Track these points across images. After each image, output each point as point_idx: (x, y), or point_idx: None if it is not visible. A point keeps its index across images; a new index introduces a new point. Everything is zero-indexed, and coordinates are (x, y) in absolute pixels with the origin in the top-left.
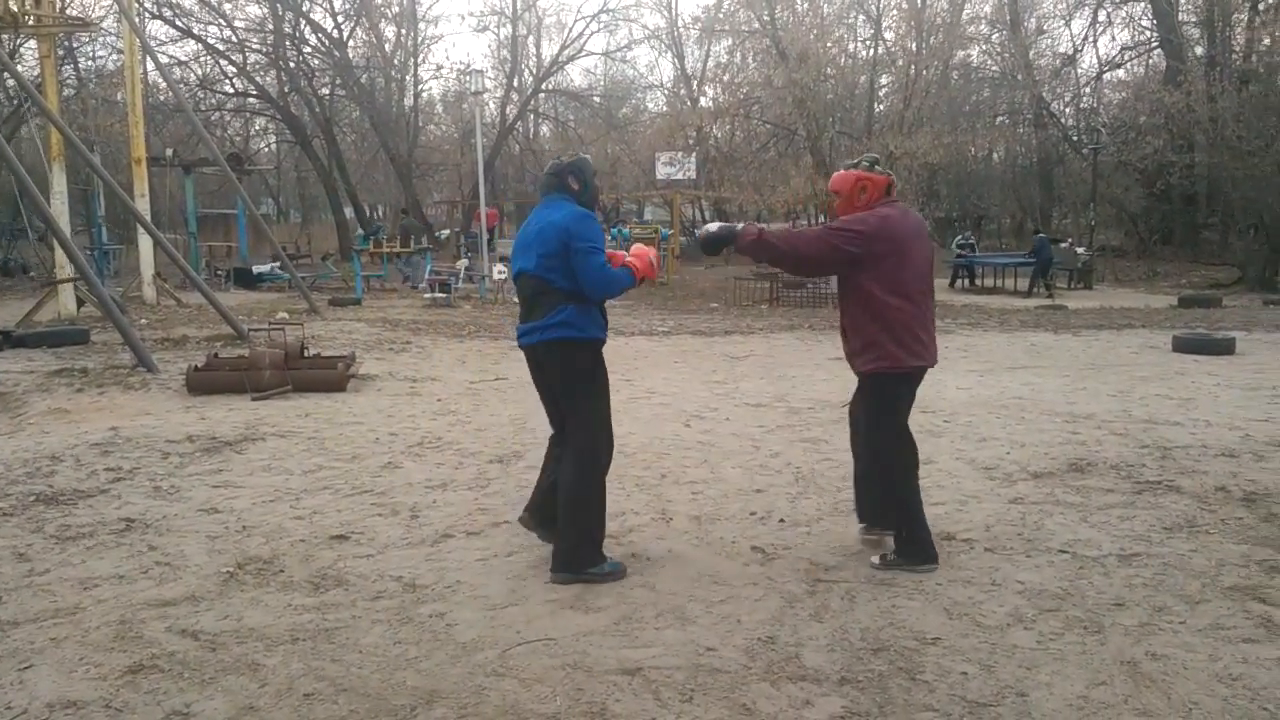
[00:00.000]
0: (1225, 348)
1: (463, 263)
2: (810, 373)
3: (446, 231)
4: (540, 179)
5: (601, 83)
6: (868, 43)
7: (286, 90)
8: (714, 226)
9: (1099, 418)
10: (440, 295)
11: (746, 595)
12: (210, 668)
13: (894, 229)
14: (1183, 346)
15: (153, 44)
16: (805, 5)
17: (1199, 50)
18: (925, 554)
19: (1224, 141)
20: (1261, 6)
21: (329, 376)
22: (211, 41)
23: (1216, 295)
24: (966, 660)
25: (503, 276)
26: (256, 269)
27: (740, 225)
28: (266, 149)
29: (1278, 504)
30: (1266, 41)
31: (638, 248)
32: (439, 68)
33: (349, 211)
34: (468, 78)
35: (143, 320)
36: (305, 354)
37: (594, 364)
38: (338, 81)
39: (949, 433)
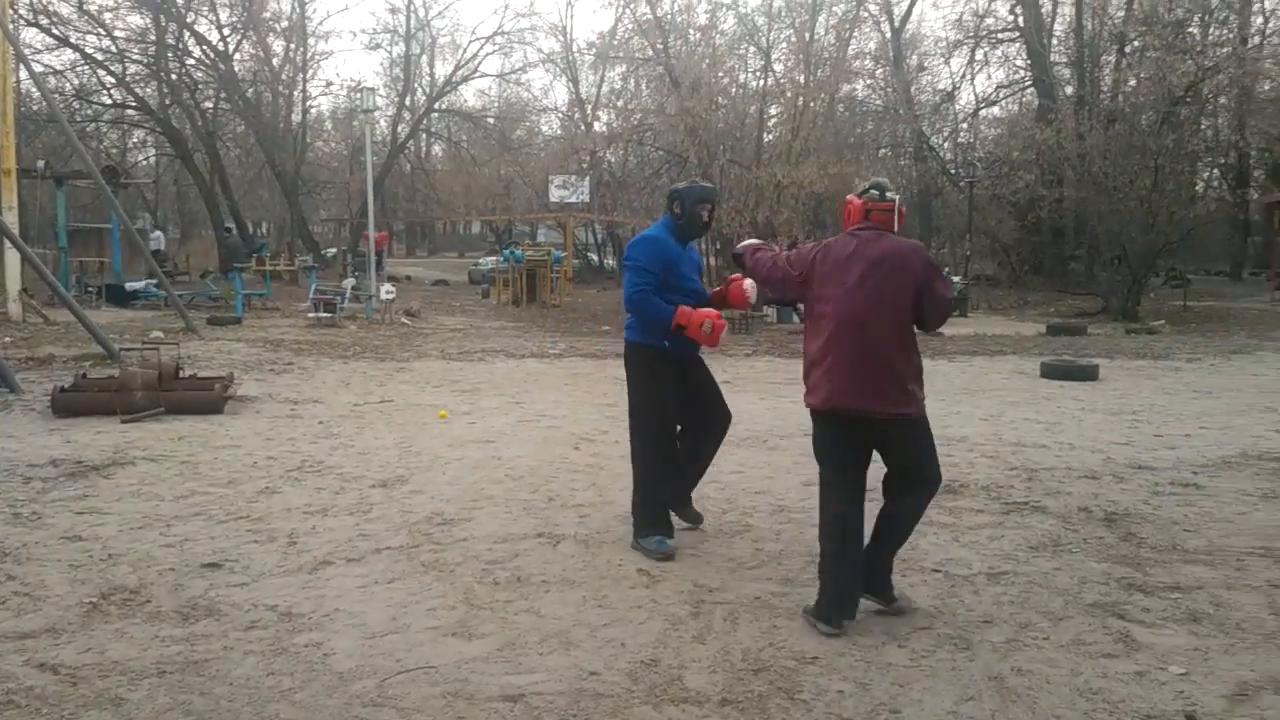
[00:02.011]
0: (1089, 374)
1: (349, 282)
2: None
3: (333, 250)
4: None
5: (496, 104)
6: (758, 74)
7: (168, 103)
8: (744, 243)
9: (971, 440)
10: (325, 315)
11: (631, 618)
12: (70, 703)
13: (829, 255)
14: (1050, 373)
15: (27, 52)
16: (698, 35)
17: (1069, 90)
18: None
19: (1090, 177)
20: (1127, 49)
21: (205, 398)
22: (90, 51)
23: (1082, 324)
24: (843, 679)
25: (390, 297)
26: (131, 285)
27: (752, 241)
28: (145, 162)
29: (1136, 523)
30: (1131, 83)
31: (708, 310)
32: (329, 84)
33: (231, 228)
34: (359, 95)
35: (6, 338)
36: (180, 374)
37: (645, 365)
38: (222, 95)
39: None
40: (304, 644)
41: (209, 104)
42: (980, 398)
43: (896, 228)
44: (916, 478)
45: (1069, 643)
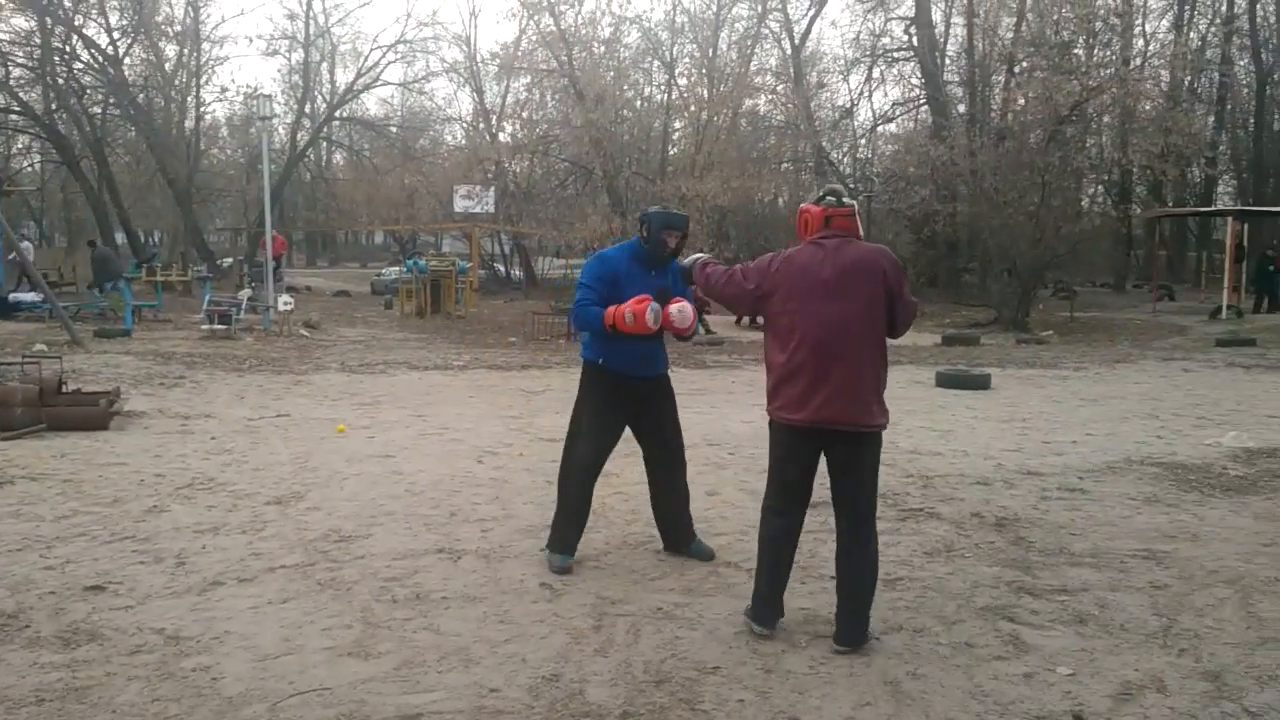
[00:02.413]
0: (982, 383)
1: (245, 292)
2: None
3: (230, 260)
4: None
5: (399, 113)
6: (662, 88)
7: (54, 108)
8: (692, 258)
9: None
10: (220, 327)
11: (533, 633)
12: None
13: (793, 265)
14: (944, 382)
15: None
16: (602, 49)
17: (961, 108)
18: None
19: (982, 193)
20: (1016, 70)
21: (89, 414)
22: None
23: (975, 334)
24: (744, 687)
25: (288, 307)
26: (14, 297)
27: (700, 256)
28: (30, 169)
29: (1025, 528)
30: (1020, 102)
31: (630, 303)
32: (224, 90)
33: (120, 237)
34: (255, 102)
35: None
36: (63, 389)
37: (590, 382)
38: (111, 101)
39: (733, 464)
40: (192, 668)
41: (97, 109)
42: None
43: (861, 232)
44: (856, 497)
45: (962, 646)
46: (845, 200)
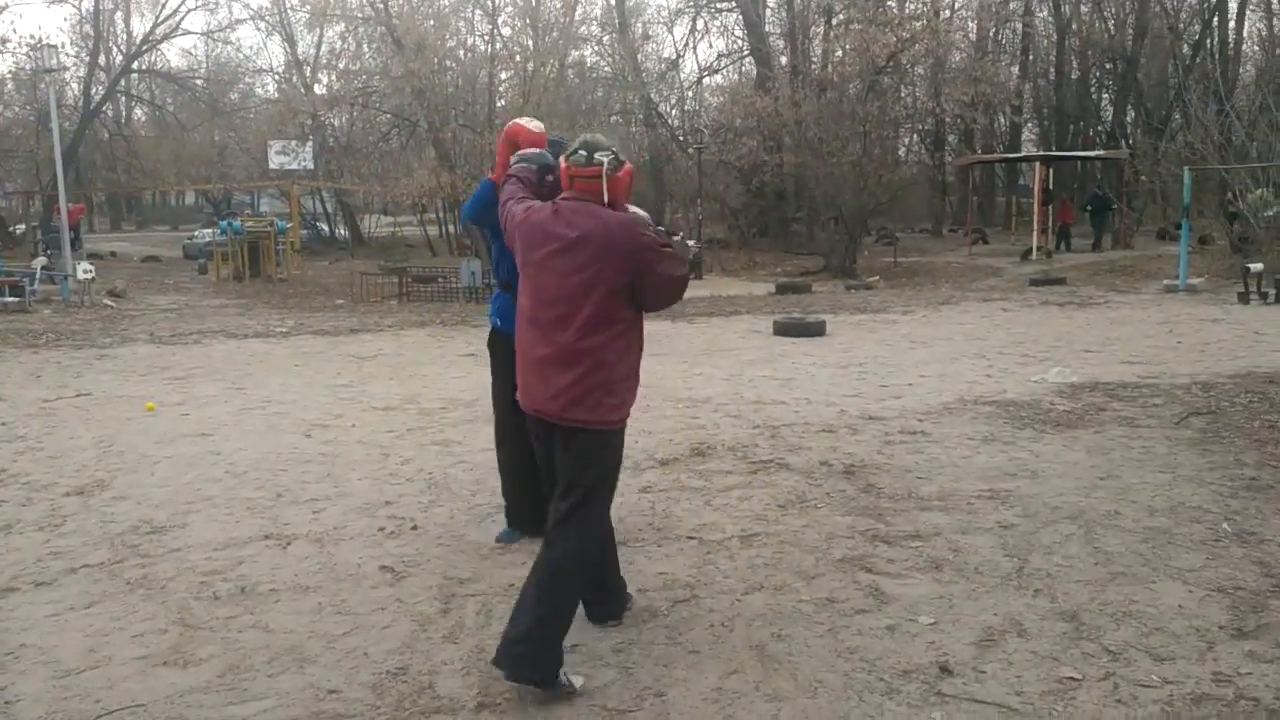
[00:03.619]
0: (817, 330)
1: (39, 260)
2: (442, 370)
3: (22, 226)
4: None
5: (204, 65)
6: (485, 37)
7: None
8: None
9: (715, 401)
10: (11, 300)
11: (374, 623)
12: None
13: (529, 222)
14: (782, 330)
15: None
16: None
17: (784, 60)
18: None
19: (807, 143)
20: (834, 22)
21: None
22: None
23: (807, 282)
24: (605, 665)
25: (88, 276)
26: None
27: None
28: None
29: (873, 474)
30: (839, 53)
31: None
32: (4, 41)
33: None
34: (39, 53)
35: None
36: None
37: (494, 350)
38: None
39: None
40: None
41: None
42: (720, 358)
43: (606, 198)
44: (571, 504)
45: (824, 602)
46: (596, 157)
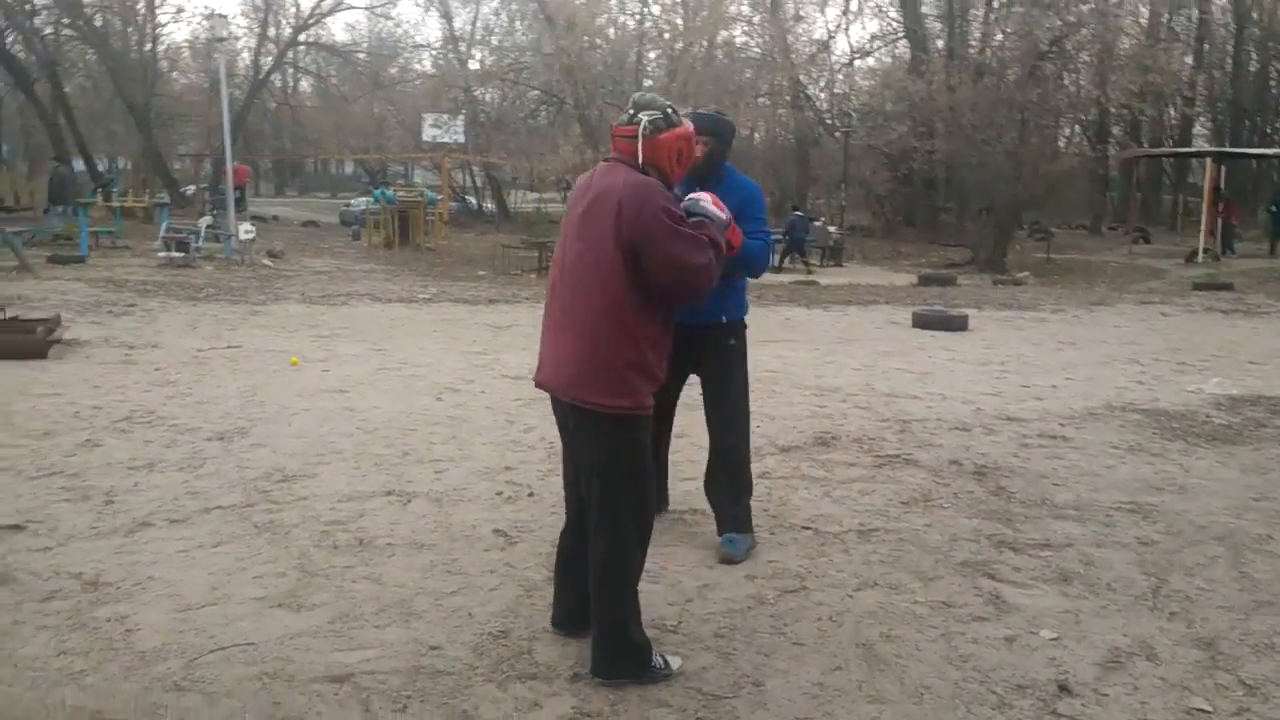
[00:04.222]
0: (959, 324)
1: (205, 219)
2: None
3: (192, 188)
4: None
5: (366, 39)
6: (635, 16)
7: (4, 27)
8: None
9: (844, 391)
10: (177, 254)
11: (482, 584)
12: None
13: (575, 189)
14: (921, 323)
15: None
16: None
17: (940, 43)
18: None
19: (960, 130)
20: (995, 4)
21: (25, 341)
22: None
23: (952, 275)
24: (705, 649)
25: (249, 236)
26: None
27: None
28: None
29: (1005, 477)
30: (999, 37)
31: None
32: (179, 11)
33: (78, 163)
34: (212, 23)
35: None
36: (2, 316)
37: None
38: (64, 21)
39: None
40: (106, 618)
41: (50, 30)
42: (854, 347)
43: (641, 159)
44: (591, 500)
45: (939, 605)
46: (639, 117)
